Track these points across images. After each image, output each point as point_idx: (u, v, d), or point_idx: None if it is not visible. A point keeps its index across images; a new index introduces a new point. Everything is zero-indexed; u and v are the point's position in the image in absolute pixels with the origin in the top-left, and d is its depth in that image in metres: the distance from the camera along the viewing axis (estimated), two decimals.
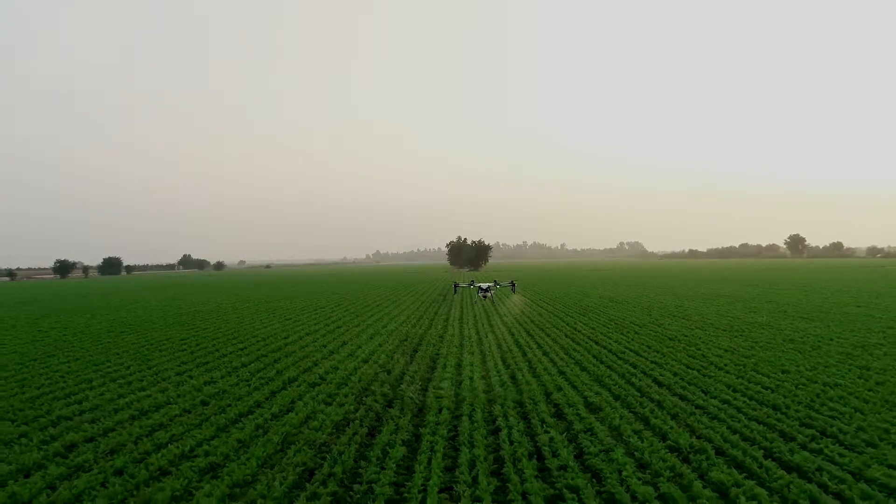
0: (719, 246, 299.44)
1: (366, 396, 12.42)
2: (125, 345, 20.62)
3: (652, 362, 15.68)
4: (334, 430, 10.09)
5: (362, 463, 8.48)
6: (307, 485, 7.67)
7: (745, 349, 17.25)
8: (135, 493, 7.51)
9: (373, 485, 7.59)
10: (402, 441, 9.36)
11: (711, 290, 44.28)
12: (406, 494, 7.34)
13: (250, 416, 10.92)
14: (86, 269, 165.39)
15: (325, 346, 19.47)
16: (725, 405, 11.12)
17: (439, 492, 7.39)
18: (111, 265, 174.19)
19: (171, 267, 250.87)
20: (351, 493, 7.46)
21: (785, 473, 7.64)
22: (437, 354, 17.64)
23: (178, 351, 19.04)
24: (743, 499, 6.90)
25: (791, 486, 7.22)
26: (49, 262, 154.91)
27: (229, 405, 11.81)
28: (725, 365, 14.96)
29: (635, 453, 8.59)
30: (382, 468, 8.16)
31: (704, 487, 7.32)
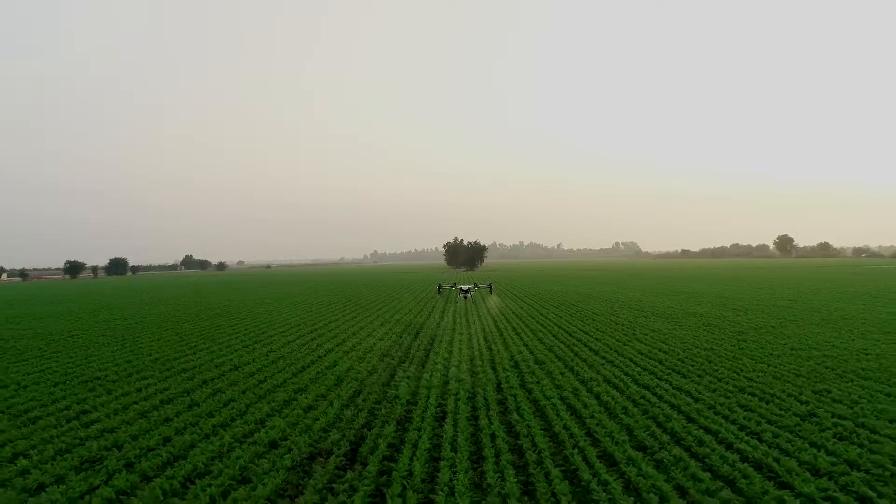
0: (711, 246, 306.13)
1: (385, 357, 17.89)
2: (186, 330, 26.00)
3: (594, 338, 21.16)
4: (367, 374, 15.51)
5: (388, 388, 13.93)
6: (359, 396, 13.13)
7: (668, 330, 22.79)
8: (260, 400, 12.93)
9: (397, 394, 13.04)
10: (411, 378, 14.80)
11: (679, 287, 49.90)
12: (418, 398, 12.79)
13: (310, 368, 16.35)
14: (95, 269, 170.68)
15: (347, 330, 24.92)
16: (628, 360, 16.62)
17: (434, 409, 12.83)
18: (118, 265, 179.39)
19: (173, 267, 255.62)
20: (386, 396, 12.92)
21: (636, 387, 13.15)
22: (435, 335, 23.04)
23: (234, 334, 24.45)
24: (606, 397, 12.37)
25: (636, 393, 12.71)
26: (50, 262, 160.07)
27: (292, 363, 17.25)
28: (646, 340, 20.47)
29: (555, 382, 14.07)
30: (399, 387, 13.61)
31: (588, 394, 12.79)
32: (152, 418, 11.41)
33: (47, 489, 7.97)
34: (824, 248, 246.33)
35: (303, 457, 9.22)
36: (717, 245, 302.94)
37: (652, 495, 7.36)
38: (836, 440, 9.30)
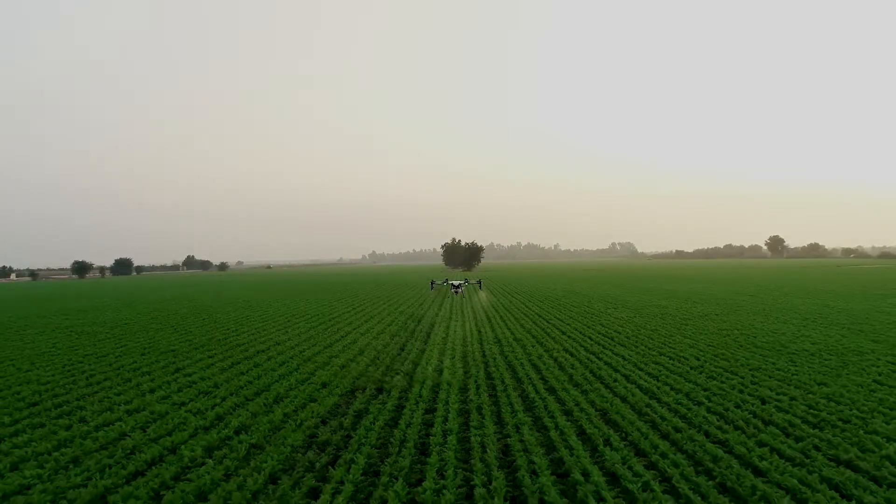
0: (705, 247, 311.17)
1: (395, 337, 22.34)
2: (222, 319, 30.37)
3: (566, 323, 25.62)
4: (383, 347, 19.94)
5: (399, 355, 18.35)
6: (378, 360, 17.57)
7: (628, 318, 27.28)
8: (306, 362, 17.34)
9: (405, 358, 17.48)
10: (418, 350, 19.24)
11: (657, 285, 54.43)
12: (422, 360, 17.23)
13: (336, 344, 20.77)
14: (102, 269, 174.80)
15: (359, 318, 29.35)
16: (587, 338, 21.10)
17: (435, 365, 17.26)
18: (122, 266, 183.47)
19: (175, 267, 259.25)
20: (399, 359, 17.36)
21: (586, 353, 17.63)
22: (434, 322, 27.47)
23: (264, 322, 28.84)
24: (561, 359, 16.83)
25: (584, 357, 17.18)
26: (51, 262, 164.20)
27: (321, 340, 21.67)
28: (607, 324, 24.95)
29: (526, 351, 18.52)
30: (408, 355, 18.04)
31: (549, 358, 17.24)
32: (232, 372, 15.84)
33: (186, 406, 12.39)
34: (814, 248, 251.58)
35: (346, 391, 13.65)
36: (712, 246, 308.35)
37: (571, 403, 11.81)
38: (706, 378, 13.78)
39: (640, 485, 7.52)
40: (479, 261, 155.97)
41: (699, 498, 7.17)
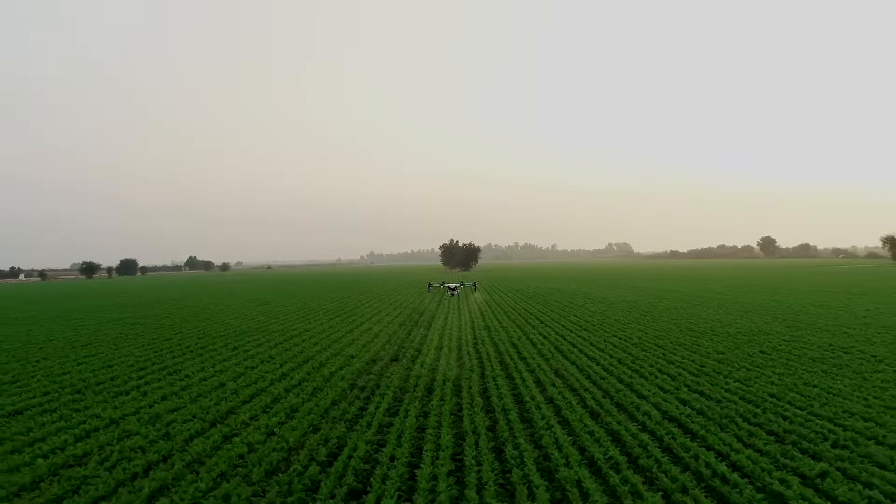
0: (699, 247, 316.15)
1: (402, 326, 26.93)
2: (248, 313, 34.91)
3: (546, 315, 30.24)
4: (393, 333, 24.51)
5: (407, 338, 22.92)
6: (390, 341, 22.16)
7: (600, 311, 31.92)
8: (333, 343, 21.91)
9: (412, 340, 22.05)
10: (422, 335, 23.82)
11: (637, 284, 59.11)
12: (427, 341, 21.81)
13: (354, 331, 25.33)
14: (109, 270, 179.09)
15: (369, 311, 33.94)
16: (560, 325, 25.72)
17: (437, 345, 21.83)
18: (128, 266, 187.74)
19: (177, 268, 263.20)
20: (407, 340, 21.94)
21: (555, 336, 22.26)
22: (434, 315, 32.05)
23: (287, 315, 33.38)
24: (535, 339, 21.43)
25: (554, 338, 21.79)
26: (51, 263, 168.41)
27: (341, 328, 26.23)
28: (581, 315, 29.58)
29: (509, 335, 23.12)
30: (415, 338, 22.62)
31: (526, 339, 21.84)
32: (278, 349, 20.41)
33: (257, 368, 16.96)
34: (804, 248, 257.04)
35: (369, 360, 18.23)
36: (706, 246, 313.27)
37: (535, 365, 16.41)
38: (639, 350, 18.41)
39: (565, 402, 12.14)
40: (477, 261, 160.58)
41: (600, 408, 11.78)
